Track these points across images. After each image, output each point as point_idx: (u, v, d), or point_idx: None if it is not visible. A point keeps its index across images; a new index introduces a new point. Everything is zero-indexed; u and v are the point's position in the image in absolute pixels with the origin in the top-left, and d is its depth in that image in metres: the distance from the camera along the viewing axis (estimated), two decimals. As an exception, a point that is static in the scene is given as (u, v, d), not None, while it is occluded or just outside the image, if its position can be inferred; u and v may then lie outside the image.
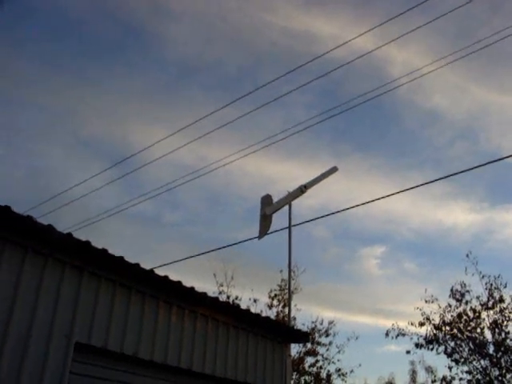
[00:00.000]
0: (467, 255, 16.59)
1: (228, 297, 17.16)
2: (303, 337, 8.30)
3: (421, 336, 16.59)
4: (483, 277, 16.47)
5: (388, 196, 9.06)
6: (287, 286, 15.99)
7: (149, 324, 5.78)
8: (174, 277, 6.01)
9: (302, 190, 9.74)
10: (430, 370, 21.95)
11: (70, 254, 5.15)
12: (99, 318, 5.29)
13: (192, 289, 6.19)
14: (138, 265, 5.61)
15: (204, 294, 6.36)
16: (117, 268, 5.52)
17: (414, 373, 30.18)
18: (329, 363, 17.64)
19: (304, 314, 22.18)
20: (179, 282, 6.03)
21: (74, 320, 5.05)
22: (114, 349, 5.35)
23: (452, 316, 16.42)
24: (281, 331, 7.78)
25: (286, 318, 15.22)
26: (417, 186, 8.88)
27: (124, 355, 5.47)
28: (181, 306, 6.23)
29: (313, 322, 17.73)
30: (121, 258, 5.45)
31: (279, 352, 7.63)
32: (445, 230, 28.78)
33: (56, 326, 4.88)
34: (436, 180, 8.87)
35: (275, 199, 10.39)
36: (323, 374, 17.58)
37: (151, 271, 5.80)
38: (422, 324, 16.60)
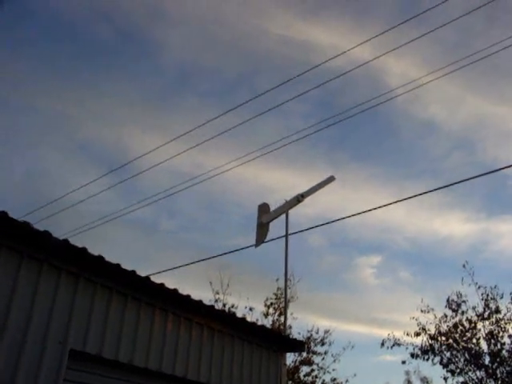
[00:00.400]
0: (464, 265, 16.60)
1: (224, 305, 17.07)
2: (299, 346, 8.27)
3: (416, 346, 16.57)
4: (479, 287, 16.49)
5: (384, 206, 9.08)
6: (283, 295, 15.99)
7: (144, 332, 5.76)
8: (170, 284, 6.01)
9: (299, 198, 9.75)
10: (425, 380, 21.88)
11: (66, 260, 5.13)
12: (94, 325, 5.27)
13: (188, 297, 6.17)
14: (134, 272, 5.59)
15: (200, 302, 6.34)
16: (113, 275, 5.50)
17: (409, 383, 30.07)
18: (324, 373, 17.55)
19: (300, 323, 22.11)
20: (175, 290, 6.02)
21: (69, 327, 5.03)
22: (109, 356, 5.33)
23: (448, 326, 16.41)
24: (276, 340, 7.76)
25: (282, 327, 15.16)
26: (413, 196, 8.90)
27: (119, 363, 5.44)
28: (176, 314, 6.21)
29: (308, 331, 17.65)
30: (117, 265, 5.44)
31: (274, 361, 7.60)
32: (441, 240, 28.81)
33: (51, 333, 4.85)
34: (432, 190, 8.90)
35: (272, 207, 10.42)
36: (318, 384, 17.48)
37: (147, 278, 5.79)
38: (417, 334, 16.57)
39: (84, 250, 5.17)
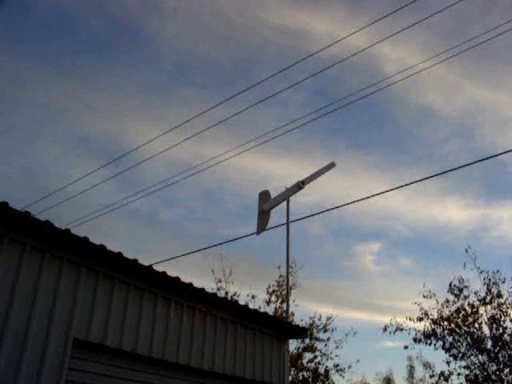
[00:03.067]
0: (466, 250, 16.58)
1: (226, 293, 17.12)
2: (301, 332, 8.30)
3: (419, 331, 16.61)
4: (481, 272, 16.49)
5: (383, 193, 9.05)
6: (285, 282, 16.03)
7: (147, 320, 5.78)
8: (171, 274, 6.02)
9: (300, 185, 9.74)
10: (427, 365, 22.01)
11: (67, 249, 5.14)
12: (97, 314, 5.28)
13: (190, 284, 6.19)
14: (136, 261, 5.60)
15: (202, 290, 6.36)
16: (115, 264, 5.51)
17: (411, 368, 30.32)
18: (327, 359, 17.62)
19: (302, 310, 22.26)
20: (177, 278, 6.03)
21: (72, 316, 5.05)
22: (113, 345, 5.35)
23: (450, 311, 16.45)
24: (279, 327, 7.79)
25: (284, 314, 15.23)
26: (411, 183, 8.87)
27: (122, 351, 5.47)
28: (179, 302, 6.23)
29: (311, 318, 17.71)
30: (119, 254, 5.45)
31: (277, 347, 7.64)
32: (440, 227, 28.87)
33: (54, 323, 4.88)
34: (431, 177, 8.86)
35: (273, 195, 10.42)
36: (321, 370, 17.58)
37: (149, 267, 5.80)
38: (420, 319, 16.60)
39: (85, 239, 5.18)
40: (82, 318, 5.14)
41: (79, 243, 5.17)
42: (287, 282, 9.35)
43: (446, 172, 8.74)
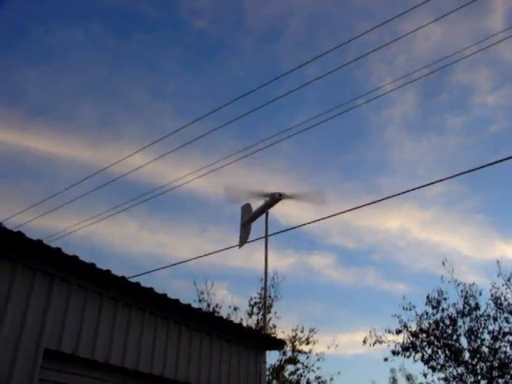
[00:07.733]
0: (443, 263, 16.82)
1: (208, 305, 17.12)
2: (278, 344, 8.36)
3: (398, 343, 16.73)
4: (458, 285, 16.72)
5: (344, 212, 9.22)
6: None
7: (121, 331, 5.80)
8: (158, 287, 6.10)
9: (277, 197, 9.82)
10: (410, 377, 22.07)
11: (40, 260, 5.16)
12: (70, 324, 5.29)
13: (164, 295, 6.22)
14: (109, 271, 5.63)
15: (176, 301, 6.39)
16: (88, 275, 5.54)
17: (394, 381, 30.32)
18: (309, 371, 17.64)
19: (285, 322, 22.31)
20: (151, 289, 6.07)
21: (44, 326, 5.05)
22: (85, 355, 5.36)
23: (429, 323, 16.60)
24: (255, 338, 7.84)
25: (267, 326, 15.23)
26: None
27: (95, 362, 5.48)
28: (153, 313, 6.25)
29: (293, 330, 17.74)
30: (92, 265, 5.48)
31: (254, 359, 7.68)
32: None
33: (25, 332, 4.87)
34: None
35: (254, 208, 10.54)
36: (303, 382, 17.58)
37: (123, 278, 5.83)
38: (398, 331, 16.73)
39: (59, 250, 5.20)
40: (54, 327, 5.14)
41: (52, 254, 5.19)
42: (265, 294, 9.45)
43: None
